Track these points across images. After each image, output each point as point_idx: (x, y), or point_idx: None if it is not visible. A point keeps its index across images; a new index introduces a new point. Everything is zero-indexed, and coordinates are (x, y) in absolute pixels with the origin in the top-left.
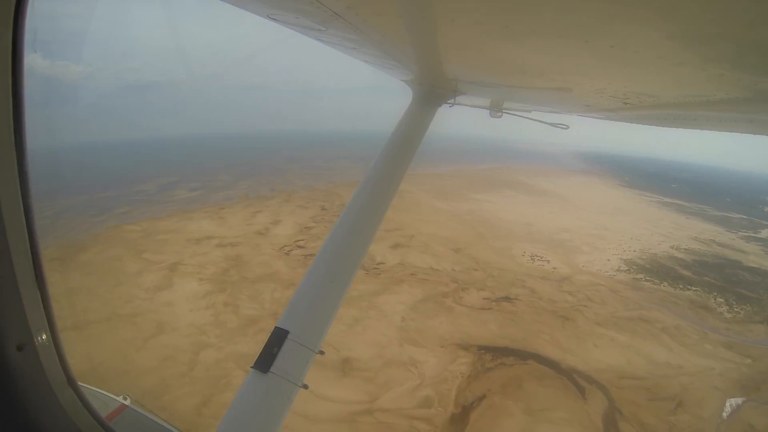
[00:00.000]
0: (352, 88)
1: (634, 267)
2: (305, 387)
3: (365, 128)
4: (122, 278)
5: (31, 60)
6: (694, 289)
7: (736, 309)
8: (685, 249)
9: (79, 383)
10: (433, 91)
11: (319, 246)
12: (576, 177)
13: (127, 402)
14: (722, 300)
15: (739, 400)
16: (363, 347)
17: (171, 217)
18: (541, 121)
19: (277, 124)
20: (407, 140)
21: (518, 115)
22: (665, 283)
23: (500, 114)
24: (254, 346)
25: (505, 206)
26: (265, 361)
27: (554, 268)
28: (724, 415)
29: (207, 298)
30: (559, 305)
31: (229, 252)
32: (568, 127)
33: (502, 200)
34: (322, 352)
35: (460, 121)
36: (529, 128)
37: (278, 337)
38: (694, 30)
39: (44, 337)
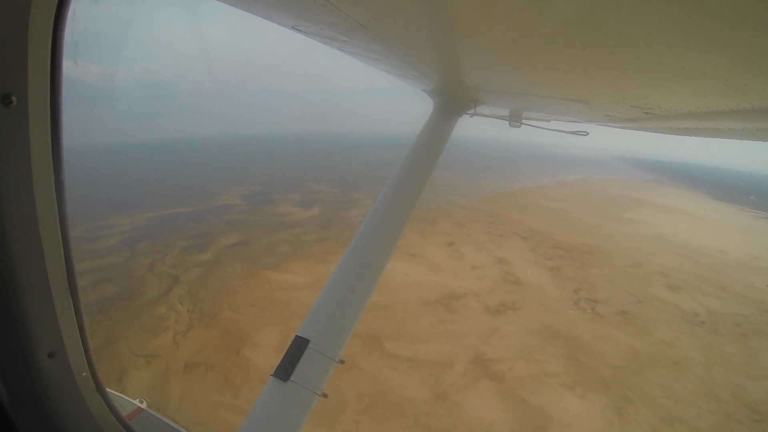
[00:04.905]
0: (379, 90)
1: None
2: (324, 396)
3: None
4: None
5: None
6: None
7: None
8: None
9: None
10: (454, 101)
11: (606, 296)
12: (662, 189)
13: (144, 405)
14: None
15: None
16: None
17: (329, 255)
18: (561, 131)
19: (316, 126)
20: (428, 150)
21: (538, 126)
22: None
23: (519, 124)
24: None
25: (669, 228)
26: (285, 370)
27: None
28: None
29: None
30: None
31: (527, 322)
32: (588, 134)
33: (652, 220)
34: (342, 362)
35: (472, 126)
36: (547, 132)
37: (299, 345)
38: (719, 40)
39: (75, 343)
